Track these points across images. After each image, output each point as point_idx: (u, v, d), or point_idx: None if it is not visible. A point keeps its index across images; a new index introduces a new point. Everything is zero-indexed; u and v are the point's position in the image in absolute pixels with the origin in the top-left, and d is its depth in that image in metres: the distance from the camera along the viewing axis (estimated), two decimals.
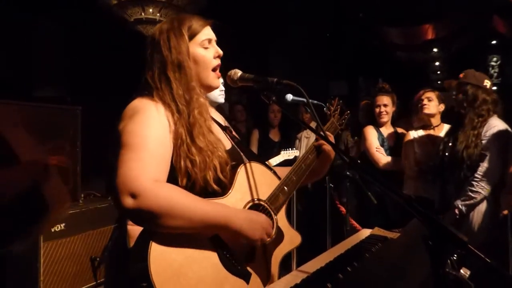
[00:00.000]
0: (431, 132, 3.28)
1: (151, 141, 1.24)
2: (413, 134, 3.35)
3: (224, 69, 1.54)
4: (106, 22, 5.25)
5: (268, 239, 1.40)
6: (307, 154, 1.66)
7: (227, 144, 1.53)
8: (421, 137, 3.31)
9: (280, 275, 1.39)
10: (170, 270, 1.15)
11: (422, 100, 3.27)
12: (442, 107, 3.29)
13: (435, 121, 3.29)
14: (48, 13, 5.52)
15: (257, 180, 1.46)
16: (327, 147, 1.65)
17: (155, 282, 1.11)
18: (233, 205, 1.36)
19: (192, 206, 1.20)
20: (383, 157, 3.42)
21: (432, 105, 3.25)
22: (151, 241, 1.15)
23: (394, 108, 3.56)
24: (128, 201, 1.12)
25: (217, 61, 1.50)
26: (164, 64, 1.39)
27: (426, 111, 3.26)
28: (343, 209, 3.06)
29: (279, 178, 1.55)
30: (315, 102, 2.05)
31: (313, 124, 4.06)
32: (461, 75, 2.93)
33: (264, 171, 1.52)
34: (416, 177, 3.28)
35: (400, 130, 3.64)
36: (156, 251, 1.15)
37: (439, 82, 8.59)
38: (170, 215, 1.15)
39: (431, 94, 3.27)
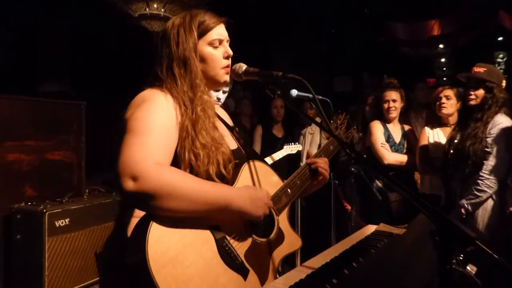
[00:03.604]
0: (448, 130, 3.19)
1: (156, 127, 1.24)
2: (429, 131, 3.31)
3: None
4: (111, 17, 5.26)
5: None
6: (315, 156, 1.70)
7: (233, 144, 1.54)
8: (437, 135, 3.26)
9: (285, 271, 1.38)
10: (167, 256, 1.14)
11: (441, 98, 3.21)
12: (459, 105, 3.17)
13: (453, 119, 3.22)
14: (53, 8, 5.52)
15: (260, 179, 1.46)
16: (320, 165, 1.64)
17: (152, 267, 1.10)
18: None
19: (195, 186, 1.20)
20: (387, 153, 3.35)
21: (450, 104, 3.20)
22: (151, 222, 1.14)
23: (402, 103, 3.48)
24: (129, 184, 1.12)
25: (227, 62, 1.49)
26: (171, 59, 1.41)
27: (444, 111, 3.21)
28: (347, 205, 3.05)
29: (282, 180, 1.56)
30: (320, 97, 2.03)
31: (318, 120, 4.03)
32: (481, 70, 2.83)
33: (268, 171, 1.52)
34: (432, 174, 3.25)
35: (407, 127, 3.60)
36: (156, 233, 1.14)
37: (444, 78, 8.51)
38: (172, 196, 1.15)
39: (450, 92, 3.20)
